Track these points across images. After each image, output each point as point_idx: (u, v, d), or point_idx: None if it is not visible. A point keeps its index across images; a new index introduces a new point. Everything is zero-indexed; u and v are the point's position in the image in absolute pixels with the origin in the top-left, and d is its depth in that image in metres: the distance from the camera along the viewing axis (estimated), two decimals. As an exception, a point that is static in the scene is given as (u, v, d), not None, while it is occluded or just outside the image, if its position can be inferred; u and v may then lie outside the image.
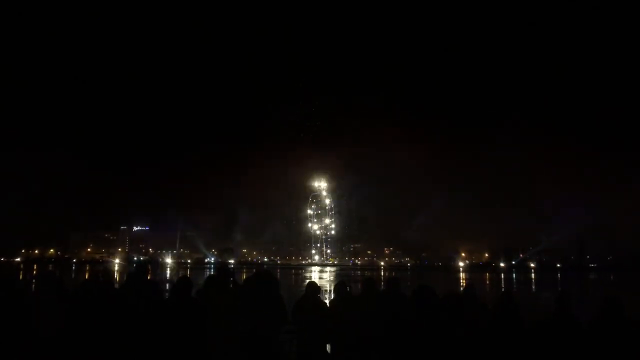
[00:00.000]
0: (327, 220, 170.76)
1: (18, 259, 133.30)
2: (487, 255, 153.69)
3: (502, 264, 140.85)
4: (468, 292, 7.37)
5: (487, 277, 73.25)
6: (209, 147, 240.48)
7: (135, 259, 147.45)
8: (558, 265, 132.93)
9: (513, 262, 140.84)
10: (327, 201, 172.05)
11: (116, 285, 7.16)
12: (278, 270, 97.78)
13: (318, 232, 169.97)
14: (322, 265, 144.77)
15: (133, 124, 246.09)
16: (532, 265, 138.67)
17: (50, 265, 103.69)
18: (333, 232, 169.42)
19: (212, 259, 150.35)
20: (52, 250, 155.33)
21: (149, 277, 7.30)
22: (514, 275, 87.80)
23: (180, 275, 7.62)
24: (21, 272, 58.75)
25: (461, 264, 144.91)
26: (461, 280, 61.59)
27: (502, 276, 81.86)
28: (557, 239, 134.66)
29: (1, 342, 5.30)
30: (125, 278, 7.32)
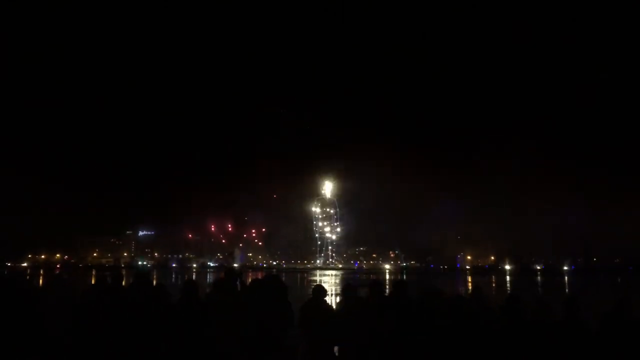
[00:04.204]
0: (332, 224, 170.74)
1: (25, 264, 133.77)
2: (492, 258, 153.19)
3: (507, 267, 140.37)
4: (475, 295, 7.37)
5: (493, 280, 72.99)
6: (214, 152, 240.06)
7: (140, 263, 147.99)
8: (565, 268, 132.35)
9: (517, 265, 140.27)
10: (332, 204, 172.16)
11: (123, 289, 7.22)
12: (283, 273, 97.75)
13: (323, 235, 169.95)
14: (328, 268, 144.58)
15: (139, 129, 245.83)
16: (538, 267, 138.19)
17: (58, 269, 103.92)
18: (338, 235, 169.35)
19: (215, 263, 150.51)
20: (58, 255, 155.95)
21: (154, 282, 7.38)
22: (519, 278, 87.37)
23: (186, 278, 7.67)
24: (28, 276, 58.92)
25: (467, 266, 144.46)
26: (468, 283, 61.37)
27: (508, 279, 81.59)
28: (562, 241, 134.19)
29: (14, 342, 5.35)
30: (131, 282, 7.38)
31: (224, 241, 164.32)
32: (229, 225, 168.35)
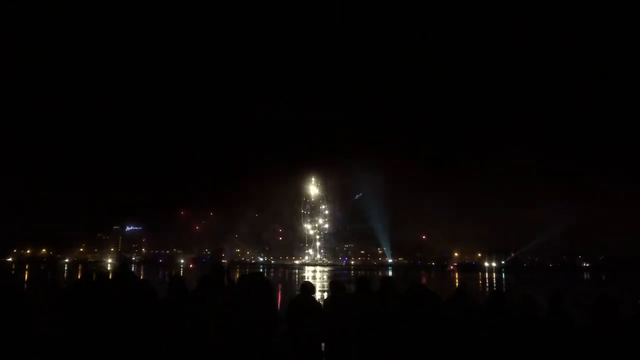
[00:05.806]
0: (321, 220, 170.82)
1: (10, 259, 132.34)
2: (479, 255, 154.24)
3: (494, 264, 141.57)
4: (460, 292, 7.42)
5: (479, 277, 73.58)
6: (203, 146, 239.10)
7: (127, 258, 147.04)
8: (550, 265, 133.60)
9: (503, 262, 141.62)
10: (321, 201, 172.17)
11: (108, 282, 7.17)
12: (272, 270, 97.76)
13: (311, 232, 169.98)
14: (316, 264, 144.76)
15: (126, 125, 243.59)
16: (524, 265, 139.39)
17: (42, 265, 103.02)
18: (326, 231, 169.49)
19: (203, 259, 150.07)
20: (44, 250, 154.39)
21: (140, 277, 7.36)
22: (503, 275, 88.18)
23: (173, 274, 7.66)
24: (13, 271, 58.31)
25: (454, 263, 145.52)
26: (455, 280, 61.82)
27: (493, 276, 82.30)
28: (548, 238, 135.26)
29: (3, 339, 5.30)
30: (113, 276, 7.35)
31: (212, 237, 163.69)
32: (218, 221, 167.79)
